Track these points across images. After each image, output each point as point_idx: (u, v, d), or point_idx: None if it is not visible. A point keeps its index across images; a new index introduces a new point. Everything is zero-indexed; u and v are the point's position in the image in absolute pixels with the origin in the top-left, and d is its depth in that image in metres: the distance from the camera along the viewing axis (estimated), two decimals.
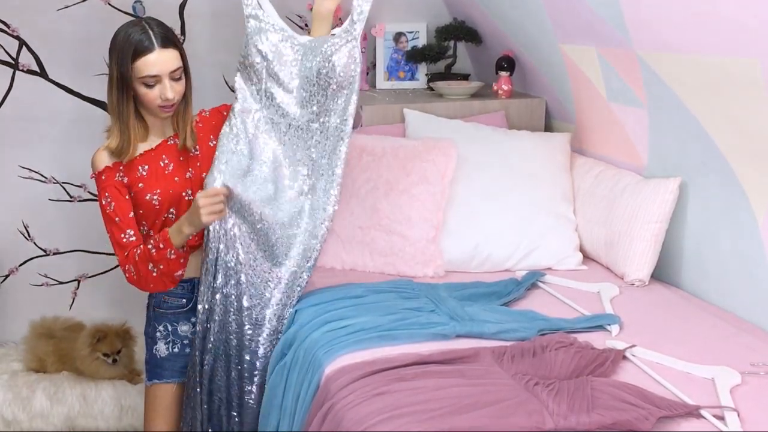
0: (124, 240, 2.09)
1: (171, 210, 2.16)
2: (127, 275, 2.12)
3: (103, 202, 2.10)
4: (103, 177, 2.10)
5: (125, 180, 2.11)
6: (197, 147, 2.22)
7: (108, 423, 2.94)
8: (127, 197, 2.11)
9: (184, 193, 2.17)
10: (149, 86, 2.04)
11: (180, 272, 2.13)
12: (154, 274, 2.09)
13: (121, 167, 2.11)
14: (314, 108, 2.22)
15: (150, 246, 2.08)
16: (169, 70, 2.04)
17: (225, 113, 2.29)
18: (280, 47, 2.23)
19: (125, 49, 2.01)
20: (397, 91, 3.24)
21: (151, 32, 2.02)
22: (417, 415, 1.66)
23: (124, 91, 2.05)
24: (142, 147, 2.15)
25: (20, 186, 3.13)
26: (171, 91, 2.05)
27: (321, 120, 2.22)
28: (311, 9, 3.18)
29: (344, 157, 2.22)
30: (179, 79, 2.08)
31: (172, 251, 2.07)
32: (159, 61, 2.02)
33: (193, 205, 2.06)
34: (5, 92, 3.02)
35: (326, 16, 2.30)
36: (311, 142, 2.24)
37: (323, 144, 2.23)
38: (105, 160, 2.11)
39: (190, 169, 2.19)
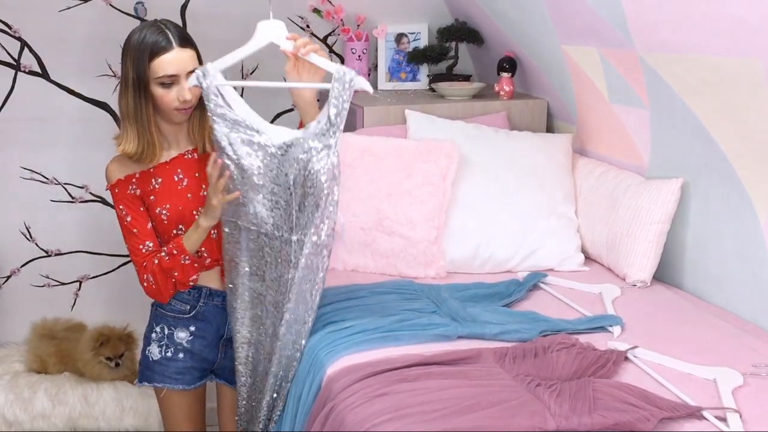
0: (143, 250, 2.05)
1: (180, 227, 2.08)
2: (145, 284, 2.07)
3: (120, 214, 2.06)
4: (116, 190, 2.05)
5: (138, 192, 2.06)
6: None
7: (109, 424, 2.94)
8: (141, 209, 2.06)
9: (195, 212, 2.08)
10: (166, 86, 1.96)
11: (194, 277, 2.08)
12: (172, 281, 2.05)
13: (133, 180, 2.05)
14: (289, 223, 1.96)
15: (163, 254, 2.03)
16: (186, 70, 1.96)
17: None
18: (249, 153, 1.96)
19: (142, 49, 1.93)
20: (398, 92, 3.24)
21: (168, 32, 1.96)
22: (419, 416, 1.66)
23: (141, 94, 1.96)
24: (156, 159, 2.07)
25: (22, 187, 3.13)
26: (189, 92, 1.97)
27: (296, 237, 1.96)
28: (313, 10, 3.21)
29: (324, 275, 2.01)
30: None
31: (186, 257, 2.02)
32: (177, 60, 1.95)
33: (207, 200, 1.98)
34: (7, 93, 3.02)
35: (310, 102, 1.98)
36: (286, 256, 1.99)
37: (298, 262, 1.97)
38: (117, 173, 2.06)
39: (203, 186, 2.09)
